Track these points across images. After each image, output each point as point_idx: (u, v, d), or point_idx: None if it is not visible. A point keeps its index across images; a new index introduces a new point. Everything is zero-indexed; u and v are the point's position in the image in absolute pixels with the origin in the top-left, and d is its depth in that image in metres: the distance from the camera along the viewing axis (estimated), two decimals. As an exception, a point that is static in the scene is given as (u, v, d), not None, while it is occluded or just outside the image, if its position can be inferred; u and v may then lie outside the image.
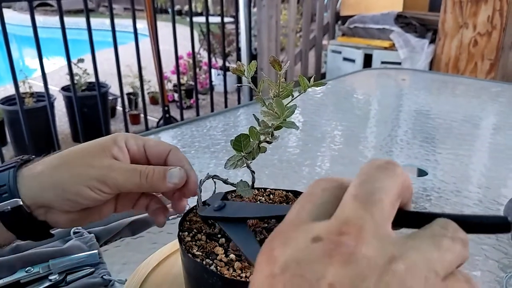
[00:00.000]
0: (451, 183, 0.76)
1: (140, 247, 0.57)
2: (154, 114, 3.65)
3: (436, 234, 0.20)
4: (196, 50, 3.51)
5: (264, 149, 0.42)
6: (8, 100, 2.97)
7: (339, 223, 0.19)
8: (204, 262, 0.36)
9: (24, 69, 3.10)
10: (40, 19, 4.65)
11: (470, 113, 1.15)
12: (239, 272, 0.35)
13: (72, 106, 2.79)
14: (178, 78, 2.95)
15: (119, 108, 3.55)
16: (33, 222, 0.40)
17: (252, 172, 0.43)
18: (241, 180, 0.43)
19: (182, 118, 2.97)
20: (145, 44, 2.99)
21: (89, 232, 0.55)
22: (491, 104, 1.27)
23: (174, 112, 3.27)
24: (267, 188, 0.47)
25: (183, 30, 3.03)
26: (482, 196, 0.72)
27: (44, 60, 2.25)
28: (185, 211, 0.44)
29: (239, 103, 3.42)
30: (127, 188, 0.40)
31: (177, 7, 7.65)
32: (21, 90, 2.55)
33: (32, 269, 0.47)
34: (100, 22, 5.40)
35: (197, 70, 3.40)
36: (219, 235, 0.40)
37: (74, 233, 0.54)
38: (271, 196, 0.46)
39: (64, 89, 3.25)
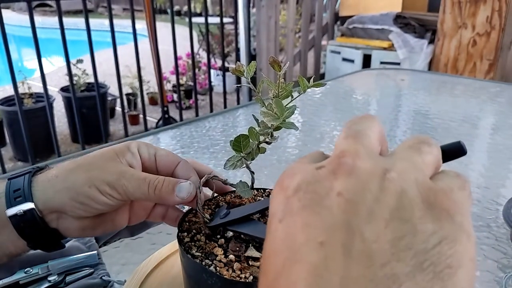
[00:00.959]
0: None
1: (139, 248, 0.57)
2: (153, 115, 3.65)
3: (412, 144, 0.23)
4: (195, 50, 3.51)
5: (264, 150, 0.42)
6: (7, 101, 2.97)
7: (336, 154, 0.22)
8: (203, 263, 0.36)
9: (23, 69, 3.09)
10: (39, 19, 4.65)
11: (469, 113, 1.15)
12: (239, 272, 0.35)
13: (71, 106, 2.79)
14: (177, 79, 2.96)
15: (118, 108, 3.55)
16: (45, 229, 0.39)
17: (252, 172, 0.43)
18: (240, 180, 0.43)
19: (181, 119, 2.97)
20: (144, 44, 2.99)
21: (88, 233, 0.55)
22: (490, 104, 1.27)
23: (173, 113, 3.27)
24: (267, 189, 0.47)
25: (182, 31, 3.03)
26: (481, 196, 0.72)
27: (43, 61, 2.25)
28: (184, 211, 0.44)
29: (238, 103, 3.42)
30: (136, 197, 0.40)
31: (176, 8, 7.65)
32: (20, 90, 2.55)
33: (31, 270, 0.47)
34: (99, 23, 5.39)
35: (196, 70, 3.40)
36: (218, 236, 0.40)
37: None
38: None
39: (63, 89, 3.24)
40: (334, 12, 4.06)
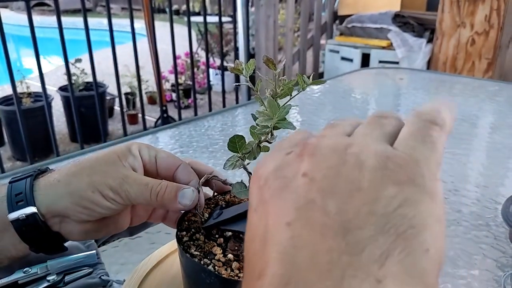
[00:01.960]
0: (449, 182, 0.76)
1: (138, 247, 0.57)
2: (152, 114, 3.64)
3: (371, 119, 0.24)
4: (194, 49, 3.51)
5: (267, 149, 0.41)
6: (5, 100, 2.96)
7: (303, 140, 0.23)
8: (202, 262, 0.36)
9: (21, 69, 3.09)
10: (37, 18, 4.64)
11: (468, 112, 1.15)
12: (237, 272, 0.35)
13: (69, 106, 2.79)
14: (176, 78, 2.95)
15: (117, 108, 3.55)
16: (47, 233, 0.39)
17: (249, 173, 0.43)
18: (237, 181, 0.43)
19: (180, 118, 2.97)
20: (143, 43, 2.98)
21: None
22: (489, 103, 1.27)
23: (172, 112, 3.26)
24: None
25: (180, 30, 3.03)
26: (480, 195, 0.72)
27: (42, 60, 2.24)
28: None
29: (237, 102, 3.42)
30: (138, 202, 0.40)
31: (174, 7, 7.64)
32: (19, 90, 2.54)
33: (30, 270, 0.47)
34: (97, 22, 5.39)
35: (195, 69, 3.40)
36: (217, 235, 0.40)
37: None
38: None
39: (62, 89, 3.24)
40: (333, 11, 4.06)
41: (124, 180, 0.39)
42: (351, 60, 3.62)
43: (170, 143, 0.94)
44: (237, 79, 3.30)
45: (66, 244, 0.43)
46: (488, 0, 2.94)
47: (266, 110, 0.38)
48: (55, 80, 4.18)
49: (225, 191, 0.46)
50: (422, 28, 3.47)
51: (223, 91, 3.16)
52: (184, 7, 6.41)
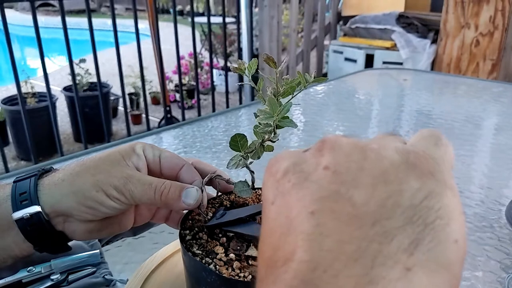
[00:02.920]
0: (453, 184, 0.76)
1: (141, 247, 0.57)
2: (156, 114, 3.65)
3: (383, 136, 0.24)
4: (198, 50, 3.51)
5: (271, 148, 0.41)
6: (10, 100, 2.98)
7: (318, 141, 0.23)
8: (203, 261, 0.36)
9: (26, 69, 3.10)
10: (42, 19, 4.66)
11: (472, 114, 1.14)
12: (238, 271, 0.35)
13: (74, 106, 2.80)
14: (180, 78, 2.96)
15: (120, 108, 3.56)
16: (51, 232, 0.39)
17: (251, 172, 0.43)
18: (240, 180, 0.43)
19: (183, 118, 2.98)
20: (147, 44, 2.99)
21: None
22: (493, 104, 1.27)
23: (176, 112, 3.27)
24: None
25: (184, 30, 3.04)
26: (484, 197, 0.72)
27: (46, 60, 2.25)
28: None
29: (240, 103, 3.42)
30: (142, 201, 0.40)
31: (178, 7, 7.66)
32: (23, 90, 2.56)
33: (34, 269, 0.47)
34: (101, 22, 5.41)
35: (199, 70, 3.40)
36: (220, 235, 0.40)
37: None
38: None
39: (66, 89, 3.25)
40: (337, 12, 4.06)
41: (128, 179, 0.39)
42: (354, 61, 3.62)
43: (173, 143, 0.94)
44: (240, 79, 3.30)
45: (69, 244, 0.43)
46: (493, 1, 2.93)
47: (265, 109, 0.38)
48: (60, 80, 4.19)
49: (229, 190, 0.46)
50: (426, 29, 3.46)
51: (227, 92, 3.16)
52: (188, 7, 6.43)
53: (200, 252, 0.38)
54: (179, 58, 2.83)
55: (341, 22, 4.05)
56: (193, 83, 3.63)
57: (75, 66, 2.56)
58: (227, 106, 3.22)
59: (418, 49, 3.31)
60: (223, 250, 0.38)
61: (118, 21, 2.49)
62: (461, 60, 3.16)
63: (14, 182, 0.41)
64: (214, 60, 4.15)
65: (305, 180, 0.21)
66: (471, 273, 0.54)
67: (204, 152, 0.88)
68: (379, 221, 0.19)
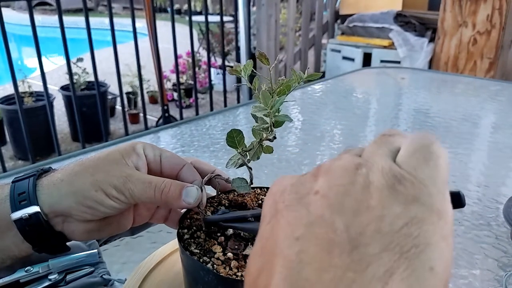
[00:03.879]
0: (450, 182, 0.76)
1: (139, 246, 0.57)
2: (154, 113, 3.65)
3: (377, 139, 0.24)
4: (195, 49, 3.51)
5: (271, 150, 0.42)
6: (7, 100, 2.97)
7: (317, 167, 0.24)
8: (201, 260, 0.36)
9: (23, 68, 3.10)
10: (39, 18, 4.65)
11: (469, 112, 1.15)
12: (235, 270, 0.35)
13: (71, 105, 2.79)
14: (178, 77, 2.95)
15: (118, 107, 3.55)
16: (50, 232, 0.39)
17: (249, 168, 0.43)
18: (238, 177, 0.43)
19: (181, 117, 2.97)
20: (144, 43, 2.98)
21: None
22: (490, 102, 1.27)
23: (174, 111, 3.26)
24: (269, 187, 0.47)
25: (182, 29, 3.03)
26: (481, 195, 0.72)
27: (43, 59, 2.25)
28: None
29: (238, 102, 3.42)
30: (142, 200, 0.40)
31: (176, 6, 7.63)
32: (20, 89, 2.55)
33: (32, 269, 0.47)
34: (99, 21, 5.39)
35: (196, 69, 3.39)
36: (218, 234, 0.40)
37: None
38: None
39: (63, 88, 3.24)
40: (335, 10, 4.06)
41: (127, 178, 0.39)
42: (352, 60, 3.62)
43: (171, 143, 0.94)
44: (238, 79, 3.30)
45: (67, 243, 0.43)
46: (490, 0, 2.94)
47: (260, 104, 0.38)
48: (57, 79, 4.18)
49: (228, 190, 0.46)
50: (424, 27, 3.46)
51: (225, 91, 3.16)
52: (185, 6, 6.42)
53: (198, 251, 0.38)
54: (176, 57, 2.83)
55: (339, 21, 4.05)
56: (191, 82, 3.62)
57: (72, 65, 2.55)
58: (225, 105, 3.22)
59: (416, 48, 3.32)
60: (221, 249, 0.38)
61: (115, 20, 2.48)
62: (459, 58, 3.17)
63: (12, 182, 0.40)
64: (212, 59, 4.14)
65: (297, 203, 0.22)
66: (468, 271, 0.54)
67: (202, 151, 0.88)
68: (357, 248, 0.19)
